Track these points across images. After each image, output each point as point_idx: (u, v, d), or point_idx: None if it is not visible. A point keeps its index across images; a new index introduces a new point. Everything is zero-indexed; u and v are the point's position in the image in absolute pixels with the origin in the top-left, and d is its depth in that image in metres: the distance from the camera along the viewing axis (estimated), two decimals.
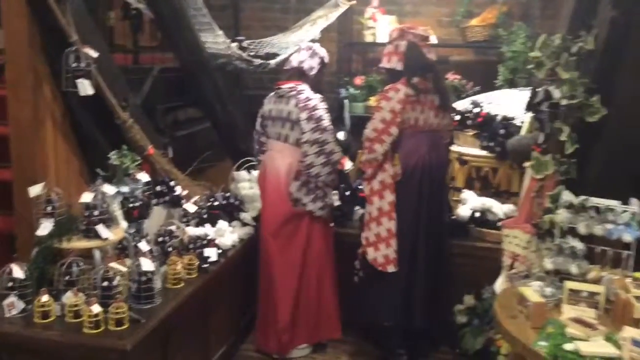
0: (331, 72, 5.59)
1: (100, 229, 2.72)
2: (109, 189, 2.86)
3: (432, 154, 3.37)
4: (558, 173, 2.86)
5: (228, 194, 3.91)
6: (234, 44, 4.06)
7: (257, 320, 3.68)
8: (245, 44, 4.48)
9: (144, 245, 2.84)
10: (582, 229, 2.62)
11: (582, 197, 2.66)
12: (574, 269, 2.61)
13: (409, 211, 3.33)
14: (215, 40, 3.83)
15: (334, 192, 3.74)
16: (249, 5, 5.67)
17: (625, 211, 2.56)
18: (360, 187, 3.99)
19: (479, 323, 3.62)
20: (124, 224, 3.01)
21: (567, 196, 2.70)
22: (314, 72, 3.57)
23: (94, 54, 2.92)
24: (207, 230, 3.51)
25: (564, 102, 2.70)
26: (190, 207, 3.57)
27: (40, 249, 2.69)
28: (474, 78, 4.93)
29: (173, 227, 3.38)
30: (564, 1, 4.91)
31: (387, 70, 3.40)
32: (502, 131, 3.85)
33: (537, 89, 3.22)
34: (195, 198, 3.72)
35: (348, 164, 4.25)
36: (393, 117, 3.28)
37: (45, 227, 2.71)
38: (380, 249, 3.37)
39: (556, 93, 3.05)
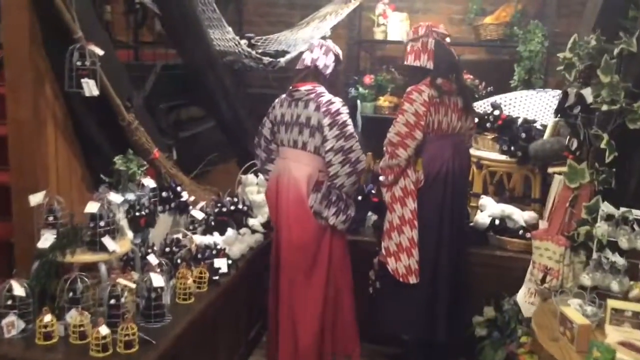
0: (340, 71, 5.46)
1: (107, 241, 2.52)
2: (115, 197, 2.66)
3: (455, 159, 3.18)
4: (595, 182, 2.68)
5: (236, 199, 3.72)
6: (243, 41, 3.86)
7: (270, 338, 3.44)
8: (252, 41, 4.29)
9: (153, 259, 2.66)
10: (624, 243, 2.45)
11: (624, 209, 2.50)
12: (615, 285, 2.45)
13: (432, 219, 3.15)
14: (223, 37, 3.63)
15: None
16: (253, 0, 5.48)
17: None
18: (373, 191, 3.82)
19: (499, 336, 3.46)
20: (129, 234, 2.82)
21: (606, 208, 2.54)
22: (329, 70, 3.30)
23: (99, 51, 2.72)
24: (215, 238, 3.31)
25: (604, 107, 2.52)
26: (198, 214, 3.38)
27: (41, 262, 2.49)
28: (486, 78, 4.76)
29: (180, 236, 3.21)
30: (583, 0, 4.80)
31: (412, 68, 3.20)
32: (523, 135, 3.68)
33: (567, 92, 3.07)
34: (202, 204, 3.53)
35: None
36: (417, 120, 3.09)
37: (46, 239, 2.51)
38: (402, 259, 3.19)
39: (589, 96, 2.90)
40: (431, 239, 3.16)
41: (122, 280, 2.41)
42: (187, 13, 3.28)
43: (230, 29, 3.68)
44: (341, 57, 3.40)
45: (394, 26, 4.82)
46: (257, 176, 3.94)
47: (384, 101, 4.87)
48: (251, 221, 3.69)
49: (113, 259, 2.64)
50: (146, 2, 3.41)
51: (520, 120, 3.77)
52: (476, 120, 3.66)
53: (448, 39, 3.29)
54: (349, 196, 3.22)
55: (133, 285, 2.47)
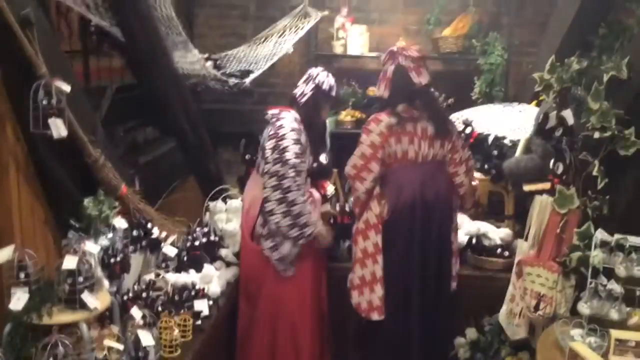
0: (294, 84, 5.32)
1: (87, 297, 2.31)
2: (91, 247, 2.45)
3: (428, 188, 3.05)
4: (583, 208, 2.69)
5: (206, 229, 3.54)
6: (209, 63, 3.67)
7: None
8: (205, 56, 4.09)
9: (136, 312, 2.46)
10: (621, 271, 2.46)
11: (618, 236, 2.51)
12: (614, 314, 2.46)
13: (399, 254, 3.05)
14: (189, 60, 3.44)
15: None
16: (204, 12, 5.27)
17: None
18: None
19: (482, 357, 3.45)
20: (106, 283, 2.61)
21: (601, 235, 2.54)
22: (304, 99, 3.21)
23: (66, 87, 2.48)
24: (192, 277, 3.14)
25: (596, 134, 2.52)
26: (170, 250, 3.19)
27: (14, 325, 2.26)
28: (445, 90, 4.75)
29: (151, 276, 3.02)
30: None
31: (377, 98, 3.14)
32: (495, 152, 3.69)
33: (547, 113, 3.08)
34: (173, 238, 3.33)
35: (330, 189, 3.97)
36: (373, 152, 3.00)
37: (19, 299, 2.27)
38: (364, 293, 3.11)
39: (570, 118, 2.91)
40: (399, 273, 3.07)
41: (109, 343, 2.22)
42: (152, 38, 3.06)
43: (196, 51, 3.49)
44: (326, 86, 3.25)
45: (354, 39, 4.74)
46: (225, 202, 3.78)
47: (346, 115, 4.79)
48: (223, 252, 3.54)
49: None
50: (105, 25, 3.17)
51: (491, 138, 3.77)
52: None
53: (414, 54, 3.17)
54: (286, 237, 3.11)
55: (121, 347, 2.28)
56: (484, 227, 3.64)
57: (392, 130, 3.01)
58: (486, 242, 3.62)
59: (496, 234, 3.63)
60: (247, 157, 3.91)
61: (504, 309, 3.34)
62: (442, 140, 3.10)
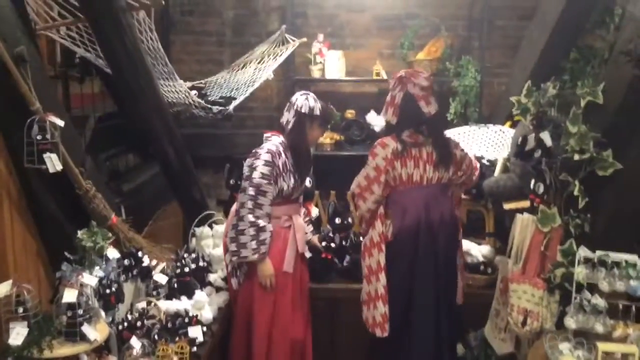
0: (273, 108, 5.41)
1: (87, 329, 2.34)
2: (89, 279, 2.47)
3: (432, 211, 3.14)
4: (565, 226, 2.80)
5: (194, 255, 3.57)
6: (194, 92, 3.72)
7: None
8: (190, 85, 4.14)
9: (135, 342, 2.48)
10: (604, 286, 2.57)
11: (600, 253, 2.62)
12: (599, 327, 2.56)
13: (403, 273, 3.13)
14: (174, 90, 3.48)
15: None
16: (180, 38, 5.31)
17: None
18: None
19: None
20: (102, 314, 2.62)
21: (583, 252, 2.65)
22: (290, 126, 3.27)
23: (60, 122, 2.51)
24: (184, 304, 3.15)
25: (576, 157, 2.64)
26: (161, 277, 3.21)
27: None
28: None
29: (143, 304, 3.03)
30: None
31: (385, 121, 3.22)
32: None
33: (526, 135, 3.19)
34: (162, 265, 3.35)
35: (314, 211, 4.03)
36: (377, 175, 3.09)
37: (18, 334, 2.29)
38: (370, 308, 3.19)
39: (548, 140, 3.03)
40: (402, 293, 3.14)
41: None
42: (139, 70, 3.10)
43: (181, 81, 3.54)
44: (305, 110, 3.25)
45: (331, 64, 4.84)
46: (211, 228, 3.81)
47: (325, 138, 4.87)
48: (212, 277, 3.57)
49: None
50: (90, 57, 3.21)
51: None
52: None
53: (383, 75, 3.19)
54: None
55: None
56: (466, 244, 3.73)
57: (397, 155, 3.09)
58: (469, 260, 3.71)
59: (478, 251, 3.73)
60: (231, 182, 3.95)
61: (488, 324, 3.44)
62: (446, 164, 3.18)
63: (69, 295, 2.31)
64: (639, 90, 2.41)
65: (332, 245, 3.69)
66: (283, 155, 3.21)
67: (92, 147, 3.79)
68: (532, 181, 3.09)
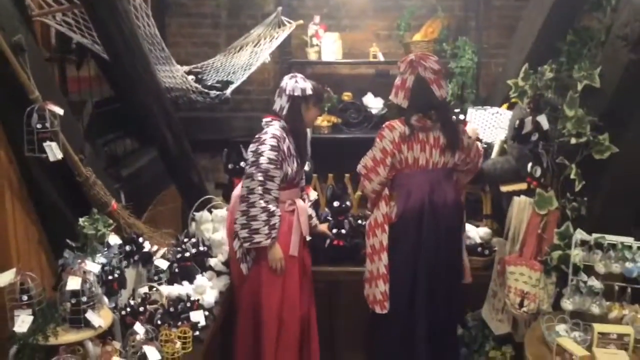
0: (269, 91, 5.39)
1: (91, 316, 2.36)
2: (92, 266, 2.49)
3: (436, 195, 3.14)
4: (563, 209, 2.84)
5: (194, 240, 3.59)
6: (191, 77, 3.71)
7: None
8: (187, 69, 4.13)
9: (139, 328, 2.51)
10: (600, 268, 2.61)
11: (596, 235, 2.66)
12: (595, 309, 2.61)
13: (407, 254, 3.16)
14: (171, 75, 3.47)
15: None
16: (176, 21, 5.29)
17: None
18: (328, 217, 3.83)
19: (467, 352, 3.59)
20: (106, 300, 2.65)
21: (580, 235, 2.69)
22: (284, 112, 3.26)
23: (59, 110, 2.51)
24: (186, 288, 3.18)
25: (573, 140, 2.66)
26: (162, 263, 3.23)
27: (20, 347, 2.29)
28: None
29: (145, 289, 3.06)
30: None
31: (393, 103, 3.21)
32: None
33: (523, 119, 3.21)
34: (163, 251, 3.37)
35: (313, 194, 4.05)
36: (383, 157, 3.11)
37: (23, 321, 2.31)
38: (372, 286, 3.24)
39: (545, 123, 3.05)
40: (405, 274, 3.17)
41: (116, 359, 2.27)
42: (137, 56, 3.09)
43: (179, 66, 3.53)
44: (298, 92, 3.23)
45: (328, 46, 4.83)
46: (210, 212, 3.83)
47: (322, 121, 4.87)
48: (212, 261, 3.58)
49: None
50: (86, 43, 3.19)
51: None
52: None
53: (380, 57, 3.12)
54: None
55: None
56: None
57: (404, 138, 3.10)
58: (467, 242, 3.74)
59: (476, 233, 3.76)
60: (230, 166, 3.96)
61: (486, 305, 3.49)
62: (452, 150, 3.17)
63: (73, 283, 2.33)
64: (635, 74, 2.42)
65: (343, 231, 3.70)
66: (286, 139, 3.22)
67: (90, 132, 3.79)
68: (529, 164, 3.13)
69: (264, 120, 3.32)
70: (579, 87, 2.69)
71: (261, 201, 3.10)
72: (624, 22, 2.48)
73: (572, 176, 2.71)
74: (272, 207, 3.13)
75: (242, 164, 3.97)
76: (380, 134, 3.14)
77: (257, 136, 3.22)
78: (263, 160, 3.12)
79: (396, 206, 3.16)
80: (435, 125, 3.13)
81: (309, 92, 3.26)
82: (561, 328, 2.59)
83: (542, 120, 3.06)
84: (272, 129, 3.22)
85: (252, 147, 3.21)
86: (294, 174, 3.29)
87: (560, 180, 2.82)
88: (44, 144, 2.47)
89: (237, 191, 3.31)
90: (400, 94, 3.11)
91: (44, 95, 2.53)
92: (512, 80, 3.26)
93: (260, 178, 3.11)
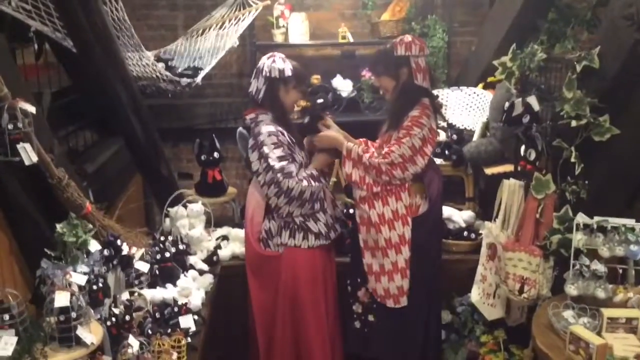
0: (233, 75, 5.18)
1: (82, 332, 2.16)
2: (78, 278, 2.28)
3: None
4: (559, 192, 2.80)
5: (170, 238, 3.40)
6: (160, 64, 3.47)
7: None
8: (151, 54, 3.88)
9: (133, 341, 2.32)
10: (604, 252, 2.59)
11: (599, 218, 2.63)
12: (600, 293, 2.58)
13: (435, 244, 3.18)
14: (140, 63, 3.23)
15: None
16: (129, 2, 4.94)
17: None
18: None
19: (457, 337, 3.55)
20: (91, 313, 2.44)
21: (581, 218, 2.65)
22: (261, 95, 3.04)
23: (31, 109, 2.27)
24: (170, 292, 3.00)
25: (573, 123, 2.61)
26: (142, 265, 3.03)
27: None
28: None
29: (126, 296, 2.86)
30: None
31: (417, 87, 3.02)
32: (454, 137, 3.76)
33: (513, 101, 3.15)
34: (141, 252, 3.17)
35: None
36: (422, 146, 2.97)
37: (7, 343, 2.08)
38: (382, 280, 3.09)
39: (536, 104, 3.00)
40: (432, 264, 3.13)
41: None
42: (106, 44, 2.85)
43: (149, 54, 3.29)
44: (276, 73, 3.00)
45: (295, 28, 4.65)
46: (185, 207, 3.63)
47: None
48: (192, 259, 3.41)
49: None
50: (46, 31, 2.91)
51: (445, 123, 3.85)
52: None
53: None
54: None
55: None
56: (447, 211, 3.71)
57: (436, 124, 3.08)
58: (451, 226, 3.69)
59: (459, 217, 3.72)
60: (202, 157, 3.77)
61: (475, 290, 3.44)
62: None
63: (61, 299, 2.12)
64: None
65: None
66: (282, 129, 3.02)
67: (49, 126, 3.51)
68: (522, 147, 3.07)
69: (248, 118, 3.08)
70: (578, 68, 2.63)
71: (301, 186, 2.95)
72: (627, 2, 2.43)
73: (572, 159, 2.66)
74: (305, 181, 2.98)
75: (216, 154, 3.81)
76: (417, 121, 2.95)
77: (251, 141, 3.01)
78: (273, 161, 2.93)
79: (422, 198, 3.06)
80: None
81: (288, 73, 3.03)
82: (568, 314, 2.55)
83: (533, 101, 3.00)
84: (264, 127, 2.99)
85: (253, 155, 3.00)
86: (303, 161, 3.11)
87: (559, 164, 2.77)
88: (18, 146, 2.22)
89: (255, 197, 3.13)
90: (420, 76, 2.98)
91: (14, 93, 2.28)
92: (499, 61, 3.20)
93: (281, 177, 2.92)
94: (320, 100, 3.14)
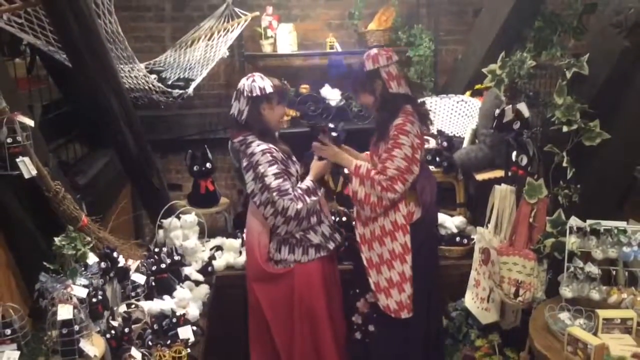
0: (221, 85, 5.19)
1: (85, 346, 2.16)
2: (79, 291, 2.27)
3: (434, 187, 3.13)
4: (551, 197, 2.85)
5: (166, 250, 3.39)
6: (153, 76, 3.47)
7: None
8: (143, 65, 3.87)
9: (136, 353, 2.32)
10: (598, 254, 2.64)
11: (592, 222, 2.68)
12: (595, 294, 2.63)
13: (432, 250, 3.14)
14: (132, 75, 3.23)
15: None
16: (116, 14, 4.96)
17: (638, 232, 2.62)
18: None
19: (452, 342, 3.58)
20: (92, 325, 2.44)
21: (574, 221, 2.71)
22: (244, 115, 2.99)
23: (29, 122, 2.26)
24: (168, 303, 2.99)
25: (565, 128, 2.67)
26: (139, 277, 3.02)
27: None
28: None
29: (124, 308, 2.85)
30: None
31: (393, 95, 3.00)
32: (445, 144, 3.81)
33: (503, 108, 3.20)
34: (137, 263, 3.16)
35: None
36: (413, 153, 2.92)
37: (9, 358, 2.08)
38: (393, 294, 3.05)
39: (526, 111, 3.06)
40: (429, 271, 3.11)
41: None
42: (100, 56, 2.85)
43: (142, 66, 3.29)
44: (257, 92, 2.97)
45: (283, 38, 4.68)
46: (179, 219, 3.63)
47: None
48: (187, 270, 3.40)
49: None
50: (39, 45, 2.90)
51: (435, 130, 3.89)
52: None
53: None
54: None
55: None
56: (440, 217, 3.74)
57: (421, 128, 3.03)
58: (443, 232, 3.73)
59: (452, 222, 3.75)
60: (195, 168, 3.77)
61: (468, 294, 3.48)
62: None
63: (65, 312, 2.12)
64: (630, 61, 2.44)
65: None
66: (273, 147, 2.99)
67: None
68: (514, 153, 3.12)
69: (236, 141, 3.02)
70: (568, 75, 2.69)
71: (298, 205, 2.92)
72: (616, 10, 2.49)
73: (564, 164, 2.72)
74: (299, 202, 2.95)
75: (209, 165, 3.82)
76: (402, 129, 2.92)
77: (244, 162, 2.97)
78: (269, 180, 2.90)
79: (416, 205, 3.04)
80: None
81: (269, 89, 3.00)
82: (564, 316, 2.60)
83: (523, 108, 3.06)
84: (256, 147, 2.95)
85: (248, 175, 2.95)
86: (298, 175, 3.11)
87: (551, 169, 2.82)
88: (17, 160, 2.21)
89: (255, 223, 3.09)
90: (394, 82, 2.96)
91: (12, 106, 2.27)
92: (488, 68, 3.25)
93: (277, 197, 2.89)
94: (334, 134, 3.14)
